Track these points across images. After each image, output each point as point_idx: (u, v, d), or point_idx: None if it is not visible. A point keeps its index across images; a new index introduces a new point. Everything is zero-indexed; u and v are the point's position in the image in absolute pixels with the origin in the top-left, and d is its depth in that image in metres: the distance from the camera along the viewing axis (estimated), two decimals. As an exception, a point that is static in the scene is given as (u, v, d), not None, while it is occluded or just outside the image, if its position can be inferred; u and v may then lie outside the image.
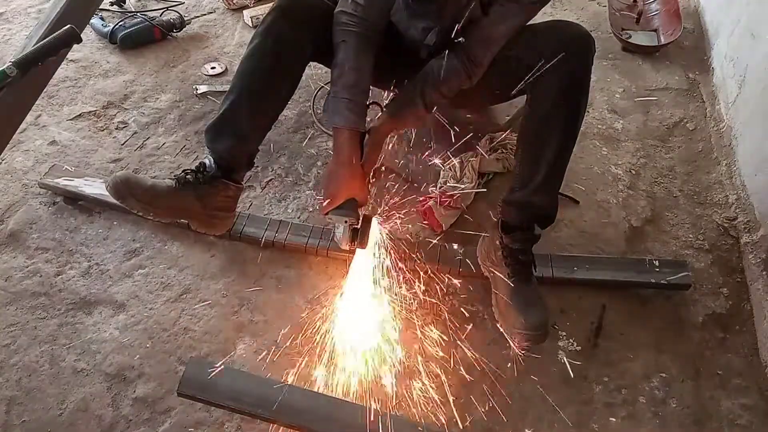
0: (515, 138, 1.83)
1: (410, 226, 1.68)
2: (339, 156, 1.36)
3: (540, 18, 1.48)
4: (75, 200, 1.71)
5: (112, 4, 2.39)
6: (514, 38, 1.39)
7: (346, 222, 1.36)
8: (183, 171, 1.49)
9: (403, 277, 1.49)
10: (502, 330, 1.41)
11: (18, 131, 1.61)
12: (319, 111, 1.99)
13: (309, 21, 1.39)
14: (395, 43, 1.51)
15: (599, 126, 2.00)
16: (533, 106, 1.38)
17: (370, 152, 1.40)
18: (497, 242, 1.46)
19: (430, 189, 1.75)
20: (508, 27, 1.35)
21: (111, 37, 2.24)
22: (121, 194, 1.42)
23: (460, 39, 1.36)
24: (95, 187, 1.71)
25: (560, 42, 1.30)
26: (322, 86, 2.05)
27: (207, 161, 1.48)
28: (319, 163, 1.84)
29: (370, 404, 1.26)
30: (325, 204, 1.37)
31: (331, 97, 1.38)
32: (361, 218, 1.37)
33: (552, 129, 1.35)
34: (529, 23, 1.41)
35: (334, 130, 1.37)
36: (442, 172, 1.76)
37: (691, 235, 1.70)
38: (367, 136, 1.41)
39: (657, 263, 1.56)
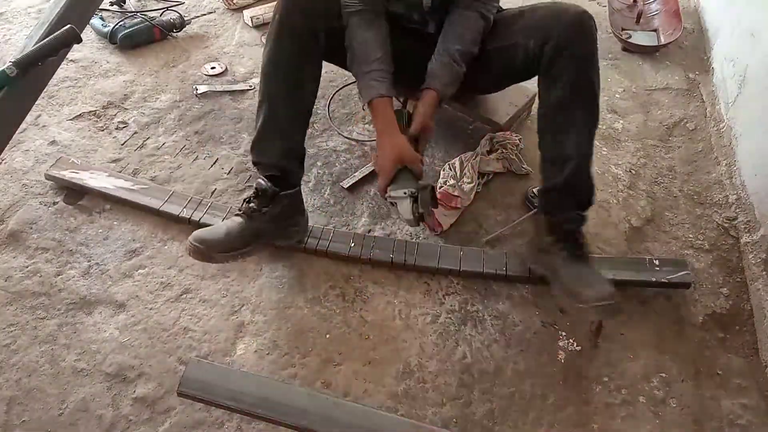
0: (515, 138, 1.84)
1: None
2: (377, 127, 1.40)
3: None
4: (75, 200, 1.71)
5: (112, 4, 2.39)
6: (514, 24, 1.43)
7: (405, 193, 1.35)
8: (244, 201, 1.48)
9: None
10: (571, 313, 1.38)
11: (18, 131, 1.61)
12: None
13: (318, 12, 1.40)
14: (397, 29, 1.52)
15: (599, 126, 1.98)
16: (549, 92, 1.39)
17: (417, 122, 1.42)
18: (546, 230, 1.44)
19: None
20: None
21: (111, 37, 2.24)
22: (206, 256, 1.39)
23: None
24: (100, 181, 1.72)
25: (565, 24, 1.33)
26: (337, 90, 2.05)
27: (260, 183, 1.46)
28: (319, 163, 1.84)
29: (371, 404, 1.27)
30: (379, 182, 1.39)
31: (355, 80, 1.43)
32: (419, 187, 1.36)
33: (574, 111, 1.37)
34: (524, 7, 1.44)
35: (370, 107, 1.41)
36: (442, 172, 1.76)
37: (691, 235, 1.70)
38: (413, 107, 1.43)
39: (657, 262, 1.56)
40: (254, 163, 1.50)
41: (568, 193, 1.42)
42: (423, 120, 1.42)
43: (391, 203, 1.41)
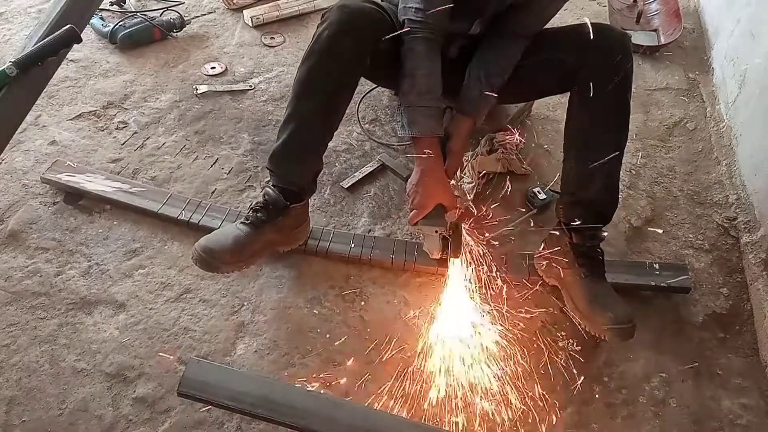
0: (515, 138, 1.84)
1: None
2: (423, 164, 1.37)
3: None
4: (75, 200, 1.71)
5: (112, 4, 2.38)
6: (552, 40, 1.45)
7: (436, 232, 1.36)
8: (252, 210, 1.46)
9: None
10: (588, 331, 1.38)
11: (18, 131, 1.61)
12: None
13: (368, 35, 1.36)
14: None
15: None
16: (585, 107, 1.40)
17: (455, 158, 1.42)
18: (566, 244, 1.45)
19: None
20: (557, 5, 1.44)
21: (111, 37, 2.24)
22: (213, 266, 1.38)
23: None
24: (97, 183, 1.71)
25: (610, 43, 1.36)
26: (367, 92, 2.05)
27: (270, 194, 1.45)
28: (319, 163, 1.84)
29: (372, 404, 1.27)
30: (412, 214, 1.37)
31: (405, 107, 1.38)
32: (449, 226, 1.36)
33: (608, 127, 1.39)
34: (566, 25, 1.46)
35: (414, 140, 1.38)
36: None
37: (691, 235, 1.70)
38: (448, 142, 1.42)
39: (657, 266, 1.56)
40: (269, 171, 1.47)
41: (593, 209, 1.43)
42: (460, 157, 1.45)
43: (417, 232, 1.42)
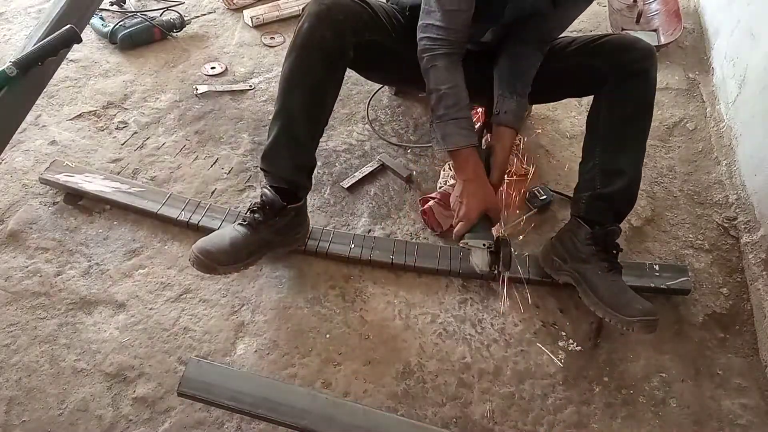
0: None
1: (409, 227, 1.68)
2: (463, 174, 1.39)
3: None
4: (75, 200, 1.71)
5: (112, 4, 2.38)
6: (579, 46, 1.48)
7: (484, 245, 1.35)
8: (249, 211, 1.46)
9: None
10: (613, 324, 1.36)
11: (18, 131, 1.61)
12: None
13: (348, 24, 1.36)
14: None
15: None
16: (614, 108, 1.42)
17: (500, 170, 1.43)
18: (586, 238, 1.44)
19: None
20: (577, 13, 1.47)
21: (111, 37, 2.24)
22: (210, 268, 1.38)
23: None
24: (95, 184, 1.71)
25: (642, 51, 1.40)
26: (374, 93, 2.06)
27: (267, 194, 1.45)
28: (319, 163, 1.83)
29: (370, 404, 1.27)
30: (458, 227, 1.37)
31: (436, 123, 1.40)
32: (499, 240, 1.36)
33: (635, 128, 1.42)
34: (594, 35, 1.49)
35: (451, 153, 1.39)
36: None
37: (691, 235, 1.70)
38: (492, 156, 1.42)
39: (657, 267, 1.56)
40: (263, 171, 1.47)
41: (613, 205, 1.43)
42: (504, 169, 1.45)
43: (464, 247, 1.41)
